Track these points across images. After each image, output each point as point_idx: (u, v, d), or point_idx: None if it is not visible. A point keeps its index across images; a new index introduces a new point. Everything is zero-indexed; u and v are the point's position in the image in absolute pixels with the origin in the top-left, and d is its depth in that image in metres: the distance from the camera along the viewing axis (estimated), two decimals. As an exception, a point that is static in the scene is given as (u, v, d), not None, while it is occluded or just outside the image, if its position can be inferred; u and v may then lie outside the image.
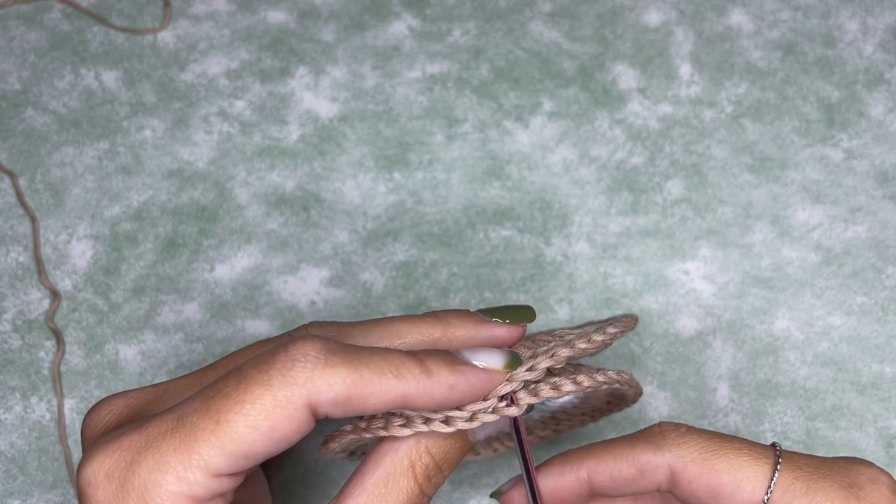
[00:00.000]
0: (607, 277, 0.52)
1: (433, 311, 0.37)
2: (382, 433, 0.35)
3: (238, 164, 0.54)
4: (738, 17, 0.59)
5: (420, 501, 0.34)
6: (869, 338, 0.51)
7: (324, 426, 0.34)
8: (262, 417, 0.31)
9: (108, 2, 0.57)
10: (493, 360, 0.34)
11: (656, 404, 0.49)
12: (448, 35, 0.58)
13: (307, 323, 0.37)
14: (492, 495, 0.40)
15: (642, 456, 0.36)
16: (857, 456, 0.47)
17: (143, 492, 0.31)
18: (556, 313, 0.51)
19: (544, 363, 0.35)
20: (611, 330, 0.37)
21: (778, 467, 0.35)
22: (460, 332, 0.36)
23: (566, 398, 0.44)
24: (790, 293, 0.52)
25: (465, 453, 0.36)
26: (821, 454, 0.48)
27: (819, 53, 0.58)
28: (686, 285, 0.52)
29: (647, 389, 0.50)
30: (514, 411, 0.34)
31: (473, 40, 0.58)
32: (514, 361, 0.34)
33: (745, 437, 0.38)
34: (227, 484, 0.32)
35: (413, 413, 0.34)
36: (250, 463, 0.32)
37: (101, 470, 0.32)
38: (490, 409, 0.34)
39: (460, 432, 0.35)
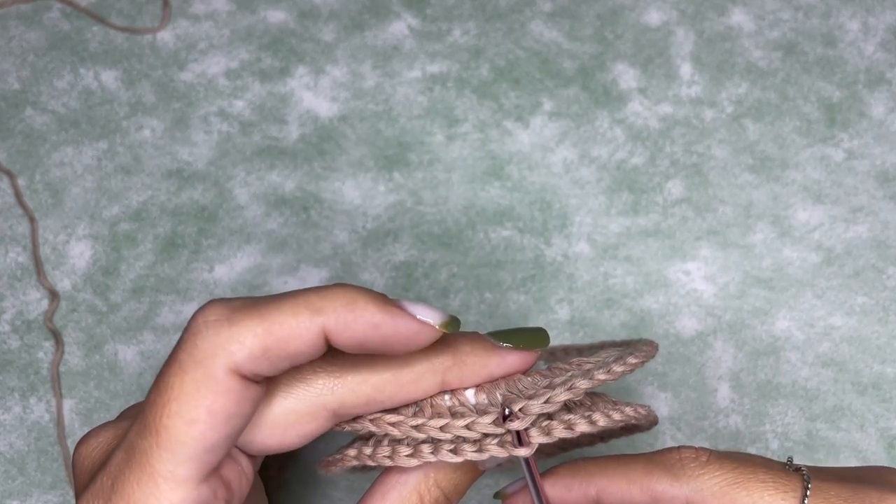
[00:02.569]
0: (608, 278, 0.52)
1: (442, 340, 0.33)
2: (388, 463, 0.33)
3: (238, 164, 0.54)
4: (738, 17, 0.59)
5: None
6: (870, 338, 0.51)
7: (331, 439, 0.34)
8: (191, 406, 0.29)
9: (107, 1, 0.57)
10: (429, 315, 0.32)
11: (657, 405, 0.49)
12: (448, 35, 0.58)
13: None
14: (496, 496, 0.39)
15: (658, 485, 0.34)
16: (863, 461, 0.47)
17: None
18: (556, 313, 0.51)
19: (562, 396, 0.33)
20: (631, 360, 0.35)
21: (806, 501, 0.33)
22: (470, 360, 0.34)
23: None
24: (791, 293, 0.52)
25: (473, 482, 0.35)
26: (821, 455, 0.48)
27: (820, 53, 0.58)
28: (687, 285, 0.52)
29: (648, 390, 0.50)
30: (524, 452, 0.32)
31: (473, 40, 0.57)
32: (453, 324, 0.32)
33: (769, 460, 0.35)
34: (215, 484, 0.31)
35: (420, 439, 0.33)
36: (219, 454, 0.30)
37: None
38: (499, 443, 0.32)
39: (469, 462, 0.33)
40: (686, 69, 0.57)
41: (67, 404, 0.49)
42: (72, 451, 0.48)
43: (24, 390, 0.49)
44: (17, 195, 0.53)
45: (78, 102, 0.55)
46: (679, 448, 0.35)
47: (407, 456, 0.33)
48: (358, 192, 0.53)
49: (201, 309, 0.30)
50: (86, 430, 0.48)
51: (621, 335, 0.51)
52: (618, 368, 0.34)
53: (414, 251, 0.52)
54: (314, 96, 0.56)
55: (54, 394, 0.49)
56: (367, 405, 0.33)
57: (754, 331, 0.51)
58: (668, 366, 0.50)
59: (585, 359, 0.36)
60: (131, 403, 0.49)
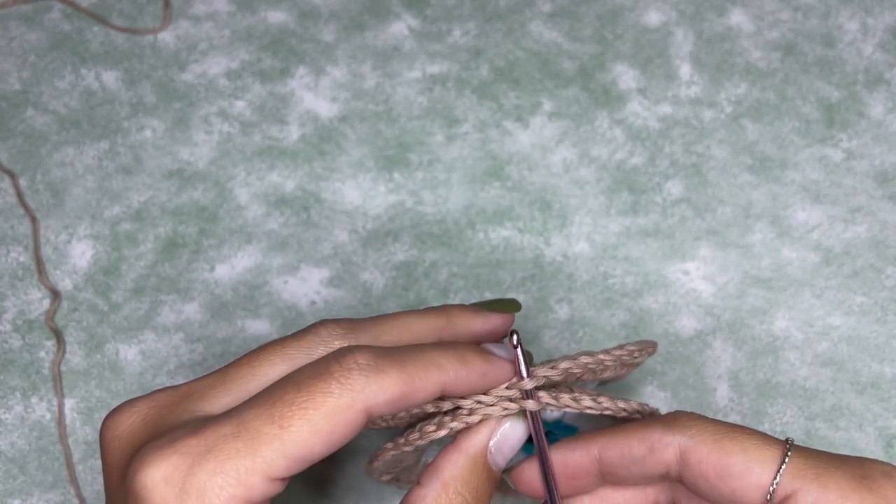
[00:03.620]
0: (607, 277, 0.52)
1: (434, 307, 0.40)
2: (419, 442, 0.38)
3: (238, 164, 0.54)
4: (737, 18, 0.59)
5: None
6: (868, 338, 0.51)
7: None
8: (324, 422, 0.33)
9: (108, 2, 0.57)
10: (509, 353, 0.38)
11: (656, 404, 0.49)
12: (448, 35, 0.58)
13: (320, 321, 0.38)
14: (504, 472, 0.40)
15: (653, 434, 0.36)
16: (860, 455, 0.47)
17: (202, 495, 0.32)
18: (556, 313, 0.51)
19: (563, 364, 0.38)
20: (629, 346, 0.40)
21: (789, 453, 0.35)
22: (460, 321, 0.40)
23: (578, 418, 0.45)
24: (790, 293, 0.52)
25: (494, 486, 0.38)
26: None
27: (819, 54, 0.58)
28: (686, 285, 0.52)
29: (647, 390, 0.50)
30: (532, 405, 0.37)
31: (473, 40, 0.58)
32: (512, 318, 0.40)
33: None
34: (278, 487, 0.34)
35: (443, 408, 0.38)
36: (304, 465, 0.34)
37: (158, 474, 0.32)
38: (510, 398, 0.37)
39: (485, 466, 0.37)
40: (685, 69, 0.57)
41: (68, 403, 0.49)
42: (72, 451, 0.48)
43: (26, 390, 0.49)
44: (19, 195, 0.53)
45: (79, 103, 0.56)
46: (674, 411, 0.38)
47: (432, 431, 0.37)
48: (358, 193, 0.54)
49: (352, 350, 0.34)
50: (87, 429, 0.48)
51: (621, 335, 0.51)
52: (616, 352, 0.39)
53: (414, 251, 0.52)
54: (314, 97, 0.56)
55: (55, 393, 0.49)
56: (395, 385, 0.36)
57: (753, 330, 0.51)
58: (667, 365, 0.50)
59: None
60: (132, 403, 0.49)
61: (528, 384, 0.37)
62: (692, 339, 0.51)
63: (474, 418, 0.38)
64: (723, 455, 0.35)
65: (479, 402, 0.38)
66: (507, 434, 0.38)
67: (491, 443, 0.38)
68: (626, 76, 0.57)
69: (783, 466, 0.35)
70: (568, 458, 0.38)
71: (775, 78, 0.57)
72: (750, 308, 0.52)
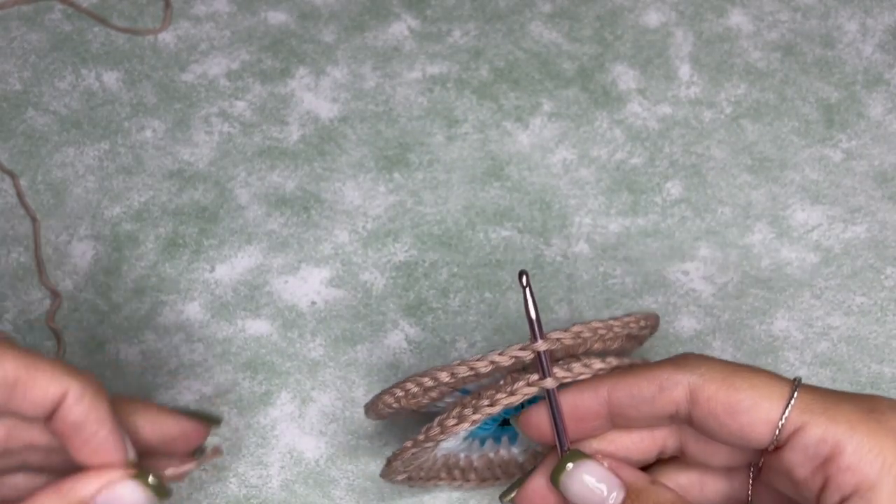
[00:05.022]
0: (607, 278, 0.52)
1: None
2: (441, 437, 0.38)
3: (238, 164, 0.54)
4: (737, 18, 0.59)
5: None
6: (868, 338, 0.51)
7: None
8: None
9: (108, 3, 0.58)
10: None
11: (656, 404, 0.49)
12: (448, 36, 0.58)
13: None
14: (511, 421, 0.41)
15: (663, 373, 0.36)
16: None
17: None
18: (556, 313, 0.51)
19: (576, 327, 0.38)
20: (637, 315, 0.41)
21: (797, 389, 0.35)
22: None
23: None
24: (789, 293, 0.52)
25: None
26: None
27: (818, 54, 0.58)
28: (685, 285, 0.52)
29: (647, 389, 0.50)
30: (550, 382, 0.38)
31: (473, 41, 0.58)
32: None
33: None
34: None
35: (465, 404, 0.38)
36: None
37: None
38: (527, 384, 0.38)
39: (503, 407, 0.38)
40: (685, 70, 0.57)
41: (69, 404, 0.49)
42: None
43: (26, 390, 0.49)
44: (19, 195, 0.53)
45: (79, 103, 0.56)
46: (682, 353, 0.38)
47: (454, 425, 0.38)
48: (358, 193, 0.54)
49: None
50: (87, 429, 0.48)
51: (620, 335, 0.51)
52: (625, 318, 0.40)
53: (414, 251, 0.52)
54: (315, 97, 0.56)
55: (56, 393, 0.49)
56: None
57: (753, 330, 0.51)
58: (667, 365, 0.50)
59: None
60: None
61: (542, 346, 0.37)
62: (692, 339, 0.51)
63: (495, 409, 0.38)
64: (732, 391, 0.35)
65: (498, 392, 0.38)
66: (121, 497, 0.34)
67: (99, 499, 0.34)
68: (625, 77, 0.57)
69: (792, 401, 0.34)
70: (577, 400, 0.38)
71: (775, 78, 0.57)
72: (749, 308, 0.52)
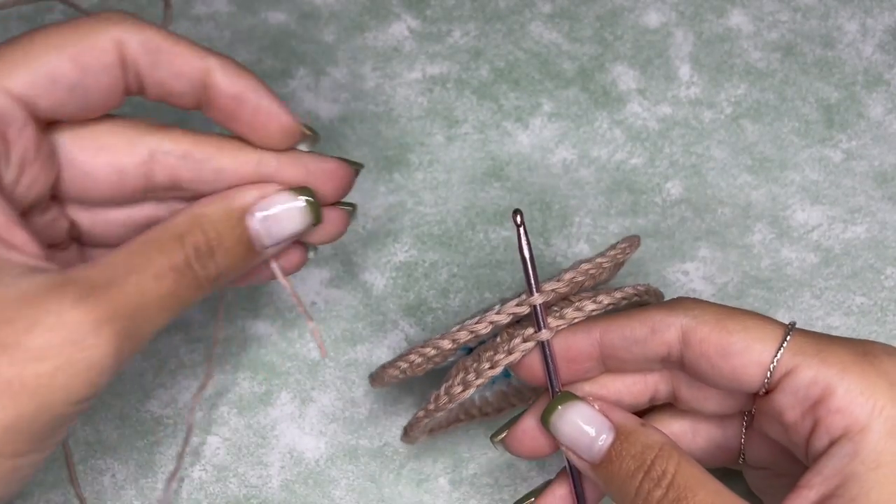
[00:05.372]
0: (607, 278, 0.52)
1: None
2: (449, 405, 0.39)
3: (238, 164, 0.54)
4: (737, 18, 0.59)
5: (185, 276, 0.34)
6: (868, 338, 0.51)
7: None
8: (70, 43, 0.33)
9: (108, 3, 0.58)
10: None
11: (656, 404, 0.49)
12: (448, 36, 0.58)
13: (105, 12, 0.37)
14: (492, 437, 0.41)
15: (656, 315, 0.36)
16: None
17: None
18: (555, 313, 0.51)
19: (567, 274, 0.38)
20: (621, 245, 0.41)
21: (790, 332, 0.35)
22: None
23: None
24: (789, 294, 0.52)
25: (247, 259, 0.36)
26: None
27: (818, 54, 0.58)
28: (685, 286, 0.52)
29: (647, 389, 0.50)
30: (546, 335, 0.38)
31: (473, 41, 0.58)
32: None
33: None
34: (23, 111, 0.33)
35: (467, 369, 0.39)
36: (56, 91, 0.33)
37: None
38: (524, 339, 0.38)
39: (240, 224, 0.36)
40: (685, 70, 0.57)
41: (69, 404, 0.49)
42: (73, 451, 0.48)
43: (26, 390, 0.49)
44: (19, 196, 0.53)
45: (79, 103, 0.56)
46: (676, 297, 0.38)
47: (460, 392, 0.39)
48: (358, 193, 0.54)
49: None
50: (87, 429, 0.48)
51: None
52: (610, 252, 0.40)
53: (414, 251, 0.52)
54: (315, 97, 0.56)
55: (56, 393, 0.49)
56: (184, 158, 0.36)
57: (753, 331, 0.51)
58: (667, 365, 0.50)
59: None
60: (133, 403, 0.49)
61: (538, 299, 0.37)
62: (692, 339, 0.51)
63: (497, 370, 0.38)
64: (724, 334, 0.35)
65: (495, 351, 0.38)
66: (280, 216, 0.37)
67: (259, 213, 0.36)
68: (625, 77, 0.57)
69: (784, 344, 0.34)
70: (569, 342, 0.38)
71: (775, 79, 0.57)
72: (749, 308, 0.52)
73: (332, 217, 0.39)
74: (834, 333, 0.51)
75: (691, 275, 0.52)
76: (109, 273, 0.32)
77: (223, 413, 0.49)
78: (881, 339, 0.51)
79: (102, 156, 0.36)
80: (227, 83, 0.36)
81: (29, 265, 0.31)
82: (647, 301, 0.41)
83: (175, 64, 0.35)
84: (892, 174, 0.55)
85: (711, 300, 0.51)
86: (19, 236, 0.32)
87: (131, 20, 0.35)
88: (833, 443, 0.33)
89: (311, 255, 0.40)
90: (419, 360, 0.40)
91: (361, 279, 0.52)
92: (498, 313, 0.38)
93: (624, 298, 0.39)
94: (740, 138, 0.56)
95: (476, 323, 0.38)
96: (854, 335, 0.51)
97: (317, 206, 0.37)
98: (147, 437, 0.48)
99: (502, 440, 0.40)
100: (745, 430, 0.38)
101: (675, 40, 0.58)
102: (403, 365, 0.41)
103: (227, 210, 0.36)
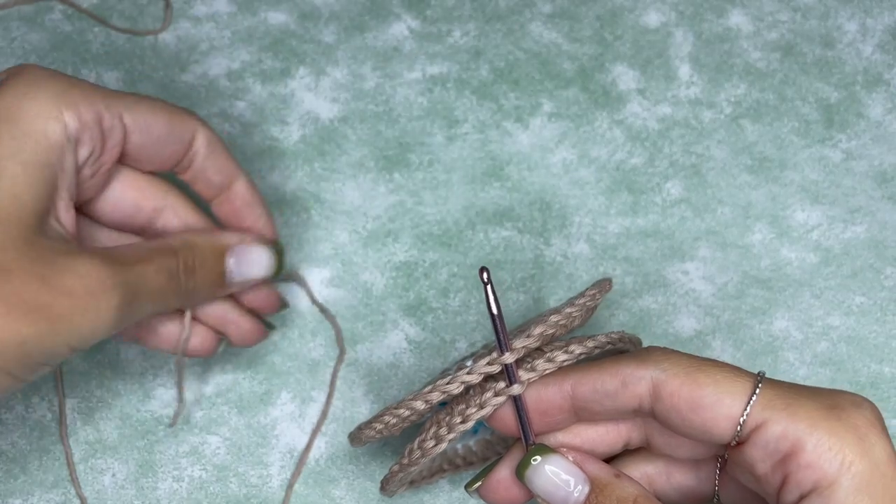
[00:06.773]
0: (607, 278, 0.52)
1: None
2: (422, 459, 0.39)
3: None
4: (737, 19, 0.59)
5: (173, 280, 0.41)
6: (868, 338, 0.51)
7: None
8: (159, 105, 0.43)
9: (109, 3, 0.58)
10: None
11: (656, 404, 0.49)
12: (448, 36, 0.58)
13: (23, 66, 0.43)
14: (467, 487, 0.41)
15: (626, 368, 0.36)
16: None
17: None
18: (555, 313, 0.51)
19: (537, 329, 0.38)
20: (590, 292, 0.41)
21: (759, 385, 0.35)
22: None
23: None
24: (789, 293, 0.52)
25: (217, 287, 0.44)
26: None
27: (818, 54, 0.58)
28: (685, 285, 0.52)
29: (647, 389, 0.50)
30: (518, 388, 0.38)
31: (473, 41, 0.58)
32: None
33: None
34: (122, 133, 0.41)
35: (440, 423, 0.39)
36: (144, 138, 0.42)
37: None
38: (495, 394, 0.38)
39: (220, 259, 0.43)
40: (685, 70, 0.57)
41: (69, 403, 0.49)
42: (73, 451, 0.48)
43: (27, 389, 0.49)
44: (20, 196, 0.53)
45: (80, 103, 0.56)
46: (647, 347, 0.38)
47: (432, 447, 0.39)
48: (358, 193, 0.54)
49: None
50: (88, 429, 0.48)
51: (620, 335, 0.51)
52: (579, 301, 0.40)
53: (414, 251, 0.53)
54: (315, 97, 0.56)
55: (56, 393, 0.49)
56: (182, 221, 0.45)
57: (752, 330, 0.51)
58: (666, 365, 0.50)
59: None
60: (133, 403, 0.49)
61: (509, 358, 0.37)
62: (692, 339, 0.51)
63: (468, 424, 0.38)
64: (695, 387, 0.35)
65: (467, 405, 0.38)
66: (251, 261, 0.44)
67: (235, 257, 0.44)
68: (625, 77, 0.57)
69: (754, 397, 0.34)
70: (542, 395, 0.38)
71: (774, 78, 0.57)
72: (749, 308, 0.52)
73: (249, 328, 0.47)
74: (834, 333, 0.51)
75: (691, 275, 0.52)
76: (125, 256, 0.40)
77: (223, 413, 0.49)
78: (880, 339, 0.51)
79: (130, 193, 0.44)
80: (245, 192, 0.46)
81: (70, 236, 0.40)
82: (621, 348, 0.41)
83: (220, 166, 0.45)
84: (891, 174, 0.55)
85: (711, 300, 0.52)
86: (69, 218, 0.40)
87: (207, 126, 0.44)
88: (803, 497, 0.34)
89: (220, 348, 0.47)
90: (394, 420, 0.40)
91: (361, 279, 0.52)
92: (469, 373, 0.38)
93: (597, 347, 0.39)
94: (740, 138, 0.56)
95: (448, 383, 0.38)
96: (854, 335, 0.51)
97: (281, 260, 0.45)
98: (147, 437, 0.48)
99: (477, 489, 0.40)
100: (719, 473, 0.38)
101: (675, 40, 0.58)
102: (379, 426, 0.41)
103: (213, 245, 0.43)
